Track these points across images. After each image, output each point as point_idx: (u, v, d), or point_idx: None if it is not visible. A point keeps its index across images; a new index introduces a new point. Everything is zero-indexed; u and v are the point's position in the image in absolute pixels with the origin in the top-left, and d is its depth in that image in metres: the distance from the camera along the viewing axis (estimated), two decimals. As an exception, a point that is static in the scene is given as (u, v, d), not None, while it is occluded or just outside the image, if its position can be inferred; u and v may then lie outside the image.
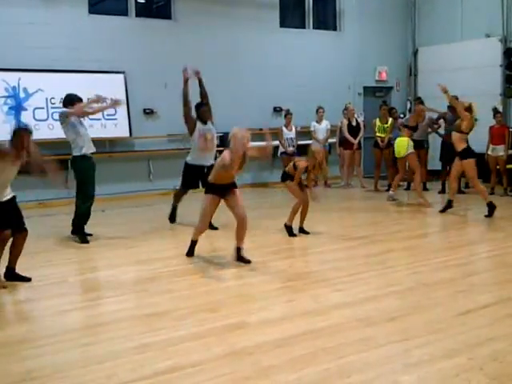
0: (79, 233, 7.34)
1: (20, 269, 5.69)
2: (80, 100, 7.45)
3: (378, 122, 12.10)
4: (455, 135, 8.81)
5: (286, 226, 7.54)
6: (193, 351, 3.98)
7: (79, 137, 7.28)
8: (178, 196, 8.62)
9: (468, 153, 8.72)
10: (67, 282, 5.79)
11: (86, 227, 7.40)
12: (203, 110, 8.40)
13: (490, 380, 3.45)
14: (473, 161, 8.72)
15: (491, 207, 8.52)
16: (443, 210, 8.99)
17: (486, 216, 8.47)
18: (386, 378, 3.52)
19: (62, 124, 7.40)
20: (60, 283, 5.70)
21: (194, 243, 6.54)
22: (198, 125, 8.30)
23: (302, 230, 7.67)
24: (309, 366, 3.68)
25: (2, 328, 4.58)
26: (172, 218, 8.57)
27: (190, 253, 6.53)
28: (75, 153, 7.34)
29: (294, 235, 7.46)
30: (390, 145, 12.02)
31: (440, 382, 3.45)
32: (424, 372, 3.57)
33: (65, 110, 7.35)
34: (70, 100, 7.43)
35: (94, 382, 3.55)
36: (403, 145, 10.01)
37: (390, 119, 12.05)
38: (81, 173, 7.33)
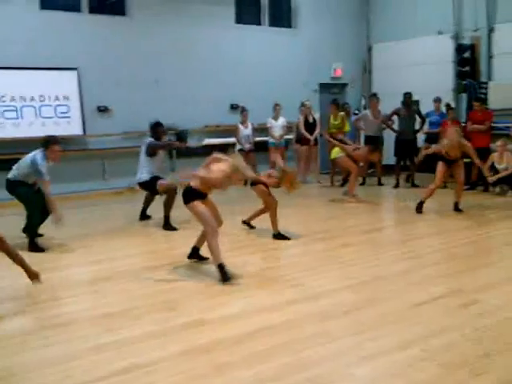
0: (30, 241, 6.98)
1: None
2: (57, 143, 7.00)
3: (331, 120, 12.24)
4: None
5: (274, 235, 7.17)
6: (149, 350, 3.95)
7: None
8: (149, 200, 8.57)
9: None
10: (20, 284, 5.66)
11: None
12: (160, 131, 8.38)
13: (443, 370, 3.54)
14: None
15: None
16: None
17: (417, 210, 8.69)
18: (341, 371, 3.57)
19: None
20: (12, 286, 5.57)
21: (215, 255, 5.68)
22: None
23: (247, 223, 7.71)
24: (266, 362, 3.70)
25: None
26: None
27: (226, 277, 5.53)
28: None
29: (288, 238, 7.16)
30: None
31: (394, 373, 3.51)
32: (378, 364, 3.63)
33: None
34: (46, 143, 6.95)
35: (48, 385, 3.50)
36: (335, 149, 10.33)
37: (340, 114, 12.21)
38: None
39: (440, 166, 8.67)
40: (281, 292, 5.20)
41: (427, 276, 5.62)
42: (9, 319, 4.70)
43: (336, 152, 10.25)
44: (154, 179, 8.00)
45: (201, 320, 4.52)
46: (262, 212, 7.48)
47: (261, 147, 12.82)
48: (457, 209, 8.71)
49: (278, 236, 7.17)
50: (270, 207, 7.23)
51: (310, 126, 12.60)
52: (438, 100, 11.95)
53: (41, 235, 7.26)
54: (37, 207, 6.91)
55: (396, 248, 6.86)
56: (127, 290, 5.35)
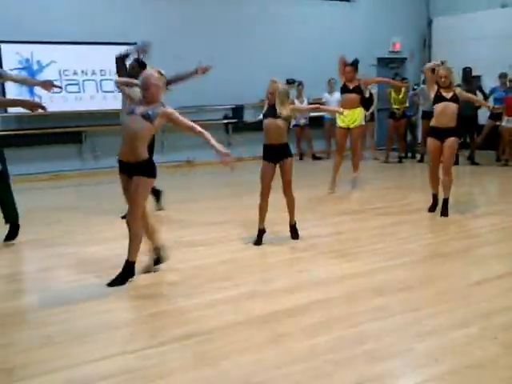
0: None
1: None
2: None
3: (393, 94, 12.04)
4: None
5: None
6: (206, 319, 4.04)
7: None
8: None
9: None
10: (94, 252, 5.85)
11: None
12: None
13: (504, 349, 3.49)
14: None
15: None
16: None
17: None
18: (400, 346, 3.56)
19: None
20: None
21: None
22: None
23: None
24: (322, 334, 3.73)
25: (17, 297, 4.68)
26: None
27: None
28: None
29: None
30: (405, 116, 12.01)
31: (454, 350, 3.48)
32: (437, 340, 3.61)
33: None
34: None
35: (114, 345, 3.64)
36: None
37: (403, 89, 11.99)
38: None
39: None
40: (336, 266, 5.22)
41: (485, 255, 5.54)
42: (76, 285, 4.88)
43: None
44: None
45: (258, 291, 4.59)
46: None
47: (316, 122, 12.75)
48: None
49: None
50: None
51: (367, 101, 12.39)
52: (503, 76, 11.54)
53: None
54: None
55: (453, 226, 6.74)
56: (187, 260, 5.46)
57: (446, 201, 7.07)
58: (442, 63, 7.23)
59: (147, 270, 5.04)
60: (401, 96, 11.99)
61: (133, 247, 4.78)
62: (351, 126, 8.58)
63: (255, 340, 3.69)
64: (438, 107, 6.97)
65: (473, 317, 3.96)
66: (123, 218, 5.41)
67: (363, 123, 8.89)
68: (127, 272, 4.78)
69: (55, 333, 3.87)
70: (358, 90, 8.62)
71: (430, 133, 7.22)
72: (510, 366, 3.28)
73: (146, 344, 3.65)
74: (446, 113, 6.91)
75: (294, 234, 6.06)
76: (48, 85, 6.21)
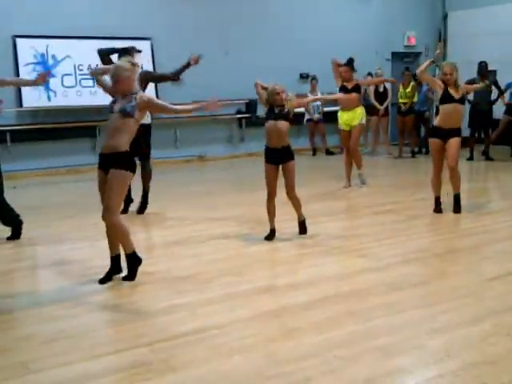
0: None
1: None
2: None
3: (400, 88, 11.98)
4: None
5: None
6: (218, 313, 4.06)
7: None
8: None
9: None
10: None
11: None
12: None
13: (515, 345, 3.48)
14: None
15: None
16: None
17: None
18: (412, 342, 3.54)
19: None
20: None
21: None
22: None
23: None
24: (335, 329, 3.73)
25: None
26: None
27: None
28: None
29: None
30: (413, 111, 11.94)
31: (466, 346, 3.47)
32: (450, 336, 3.59)
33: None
34: None
35: (122, 341, 3.66)
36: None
37: (412, 84, 11.91)
38: None
39: None
40: (349, 261, 5.22)
41: (500, 251, 5.50)
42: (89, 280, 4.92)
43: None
44: None
45: (268, 286, 4.61)
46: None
47: (329, 117, 12.70)
48: None
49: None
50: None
51: (381, 96, 12.36)
52: None
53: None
54: None
55: (467, 222, 6.70)
56: (197, 255, 5.48)
57: (457, 197, 6.93)
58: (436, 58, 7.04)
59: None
60: (408, 90, 11.91)
61: (122, 242, 4.68)
62: (352, 124, 8.53)
63: (266, 334, 3.70)
64: (446, 108, 6.68)
65: (485, 313, 3.94)
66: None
67: (363, 122, 8.81)
68: (133, 263, 4.73)
69: (69, 327, 3.89)
70: (356, 89, 8.54)
71: (432, 133, 6.96)
72: (522, 362, 3.26)
73: (155, 338, 3.67)
74: (453, 115, 6.68)
75: (303, 229, 6.02)
76: (40, 78, 6.00)
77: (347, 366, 3.25)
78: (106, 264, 4.82)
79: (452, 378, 3.11)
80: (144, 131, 6.41)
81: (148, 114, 6.54)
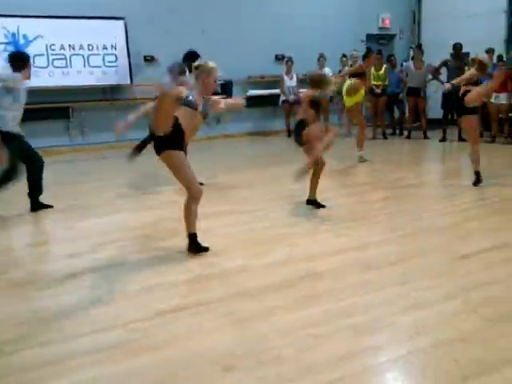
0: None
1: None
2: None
3: (372, 70, 12.03)
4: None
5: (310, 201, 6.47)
6: (195, 293, 4.10)
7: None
8: None
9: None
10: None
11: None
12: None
13: (484, 322, 3.55)
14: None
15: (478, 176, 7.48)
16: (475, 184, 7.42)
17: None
18: (386, 319, 3.60)
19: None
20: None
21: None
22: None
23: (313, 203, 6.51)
24: (311, 307, 3.78)
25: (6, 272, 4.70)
26: None
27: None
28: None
29: (323, 206, 6.44)
30: (385, 93, 12.06)
31: (438, 323, 3.54)
32: (423, 313, 3.66)
33: None
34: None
35: (101, 322, 3.66)
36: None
37: (384, 66, 12.02)
38: None
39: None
40: (325, 241, 5.25)
41: (472, 230, 5.59)
42: (61, 260, 4.89)
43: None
44: None
45: (245, 266, 4.62)
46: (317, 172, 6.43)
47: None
48: None
49: (315, 203, 6.49)
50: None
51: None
52: (490, 51, 11.54)
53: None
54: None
55: (441, 201, 6.80)
56: (176, 235, 5.47)
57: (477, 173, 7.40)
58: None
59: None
60: (380, 73, 12.01)
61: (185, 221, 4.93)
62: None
63: (240, 313, 3.74)
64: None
65: (457, 291, 4.02)
66: None
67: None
68: (192, 243, 4.95)
69: (86, 297, 4.01)
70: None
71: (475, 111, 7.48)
72: (489, 339, 3.34)
73: (131, 318, 3.69)
74: None
75: None
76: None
77: (320, 343, 3.29)
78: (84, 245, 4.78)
79: (422, 356, 3.17)
80: None
81: None
